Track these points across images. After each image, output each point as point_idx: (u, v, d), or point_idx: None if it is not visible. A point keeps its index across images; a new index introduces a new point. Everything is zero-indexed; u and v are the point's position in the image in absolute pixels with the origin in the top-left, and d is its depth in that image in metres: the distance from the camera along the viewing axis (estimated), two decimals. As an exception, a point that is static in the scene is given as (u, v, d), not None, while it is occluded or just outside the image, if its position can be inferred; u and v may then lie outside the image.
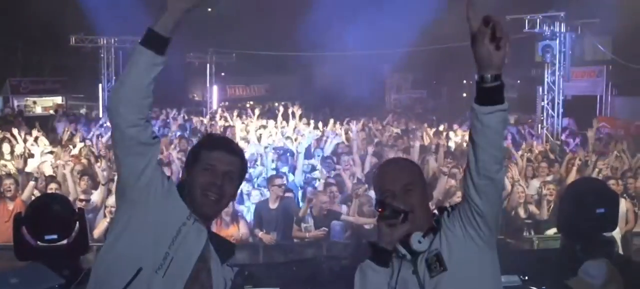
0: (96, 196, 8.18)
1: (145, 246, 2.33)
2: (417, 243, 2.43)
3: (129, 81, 2.26)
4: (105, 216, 7.43)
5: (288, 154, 10.95)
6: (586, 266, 3.44)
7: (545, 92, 17.75)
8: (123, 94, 2.26)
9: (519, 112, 21.11)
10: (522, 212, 8.45)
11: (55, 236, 3.54)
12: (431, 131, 14.93)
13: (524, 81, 23.79)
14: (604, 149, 12.31)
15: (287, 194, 8.29)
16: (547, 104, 17.73)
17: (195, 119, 18.91)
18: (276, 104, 27.24)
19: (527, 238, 8.05)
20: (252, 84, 35.35)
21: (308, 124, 16.33)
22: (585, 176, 9.13)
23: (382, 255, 2.47)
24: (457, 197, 7.45)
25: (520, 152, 11.45)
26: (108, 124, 14.47)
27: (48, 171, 9.71)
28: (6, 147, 11.53)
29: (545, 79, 17.72)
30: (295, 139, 13.12)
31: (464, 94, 29.49)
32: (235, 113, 18.83)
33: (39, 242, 3.62)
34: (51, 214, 3.54)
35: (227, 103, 28.84)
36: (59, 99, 28.90)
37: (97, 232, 7.16)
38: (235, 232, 7.70)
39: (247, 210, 8.31)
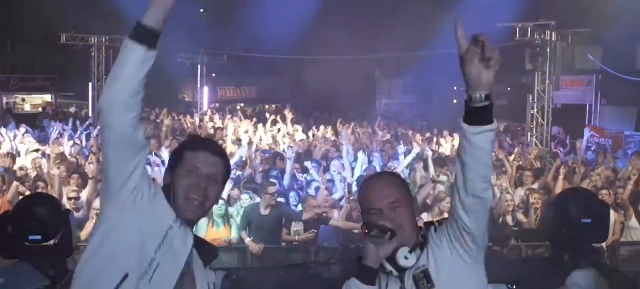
0: (85, 195, 8.13)
1: (131, 252, 2.27)
2: (404, 259, 2.39)
3: (122, 78, 2.16)
4: (92, 217, 7.37)
5: (278, 158, 10.92)
6: (574, 276, 3.44)
7: (535, 101, 17.84)
8: (116, 93, 2.17)
9: (509, 120, 21.22)
10: (510, 221, 8.48)
11: (39, 237, 3.49)
12: (420, 138, 14.95)
13: (514, 89, 23.92)
14: (594, 158, 12.38)
15: (279, 200, 8.24)
16: (537, 112, 17.82)
17: (184, 120, 18.85)
18: (267, 107, 27.24)
19: (515, 247, 8.07)
20: (242, 86, 35.30)
21: (300, 128, 16.32)
22: (573, 186, 9.16)
23: (368, 273, 2.43)
24: (447, 203, 7.46)
25: (512, 158, 11.48)
26: (96, 122, 14.41)
27: (32, 170, 9.63)
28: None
29: (536, 87, 17.81)
30: (285, 143, 13.12)
31: (455, 101, 29.57)
32: (228, 116, 18.77)
33: (24, 242, 3.59)
34: (35, 214, 3.50)
35: (217, 105, 28.80)
36: (48, 97, 28.79)
37: (85, 233, 7.10)
38: (226, 234, 7.68)
39: (237, 213, 8.26)
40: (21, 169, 9.86)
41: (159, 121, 17.49)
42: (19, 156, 10.93)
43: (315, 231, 7.91)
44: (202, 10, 23.04)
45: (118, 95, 2.17)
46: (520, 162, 11.84)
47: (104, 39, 22.58)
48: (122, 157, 2.27)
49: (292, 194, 9.00)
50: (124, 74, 2.17)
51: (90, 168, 8.40)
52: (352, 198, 8.10)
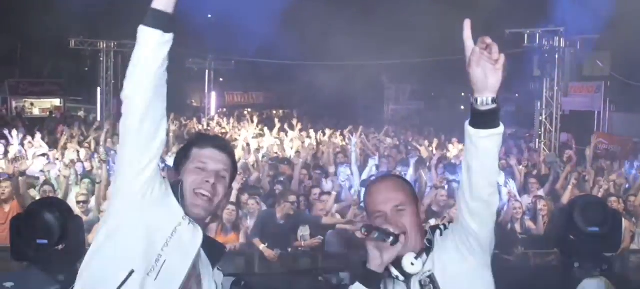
0: (94, 199, 8.14)
1: (137, 248, 2.24)
2: (410, 264, 2.38)
3: (140, 63, 2.16)
4: (100, 219, 7.38)
5: (285, 163, 10.92)
6: (585, 285, 3.42)
7: (544, 107, 17.77)
8: (138, 79, 2.16)
9: (517, 126, 21.15)
10: (518, 228, 8.42)
11: (45, 241, 3.51)
12: (428, 144, 14.91)
13: (523, 95, 23.84)
14: (602, 165, 12.30)
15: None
16: (546, 118, 17.75)
17: (191, 125, 18.89)
18: (274, 112, 27.28)
19: (524, 254, 8.02)
20: (250, 92, 35.36)
21: (307, 134, 16.32)
22: (583, 193, 9.10)
23: (372, 277, 2.39)
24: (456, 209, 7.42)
25: (520, 167, 11.42)
26: (107, 126, 14.45)
27: (40, 174, 9.67)
28: (0, 148, 11.48)
29: (544, 94, 17.75)
30: (292, 148, 13.13)
31: (462, 107, 29.56)
32: (239, 121, 18.76)
33: (32, 246, 3.61)
34: (42, 219, 3.52)
35: (225, 110, 28.86)
36: (57, 101, 28.90)
37: (93, 237, 7.10)
38: (234, 240, 7.64)
39: (245, 218, 8.24)
40: (29, 173, 9.88)
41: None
42: (27, 160, 10.97)
43: (322, 237, 7.89)
44: (209, 16, 23.06)
45: (140, 82, 2.16)
46: (527, 169, 11.77)
47: (112, 44, 22.71)
48: (138, 149, 2.25)
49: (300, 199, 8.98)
50: (141, 57, 2.15)
51: (100, 173, 8.41)
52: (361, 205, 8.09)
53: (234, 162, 2.58)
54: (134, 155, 2.26)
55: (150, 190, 2.29)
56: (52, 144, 13.42)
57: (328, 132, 16.93)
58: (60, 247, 3.61)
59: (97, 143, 13.48)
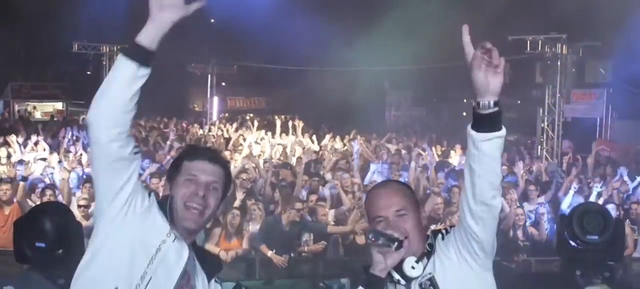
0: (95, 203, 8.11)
1: (121, 265, 2.25)
2: (411, 268, 2.39)
3: (111, 94, 2.14)
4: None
5: (286, 168, 10.91)
6: (587, 292, 3.41)
7: (546, 114, 17.76)
8: (103, 108, 2.15)
9: (518, 133, 21.11)
10: (520, 235, 8.41)
11: (43, 245, 3.51)
12: (430, 150, 14.87)
13: (525, 102, 23.84)
14: (603, 172, 12.27)
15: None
16: (547, 125, 17.73)
17: (192, 129, 18.89)
18: (276, 117, 27.29)
19: (525, 261, 8.00)
20: (252, 96, 35.39)
21: (310, 139, 16.30)
22: (584, 201, 9.08)
23: (375, 282, 2.41)
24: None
25: (521, 173, 11.40)
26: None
27: (42, 178, 9.66)
28: (3, 152, 11.49)
29: (546, 100, 17.74)
30: (294, 153, 13.10)
31: (464, 113, 29.51)
32: (242, 127, 18.71)
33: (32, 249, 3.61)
34: (41, 222, 3.53)
35: (227, 114, 28.88)
36: (59, 105, 28.92)
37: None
38: (237, 246, 7.61)
39: (247, 224, 8.22)
40: (30, 177, 9.87)
41: (166, 130, 17.48)
42: (28, 164, 10.96)
43: (325, 242, 7.88)
44: (212, 20, 23.11)
45: (105, 110, 2.16)
46: (528, 177, 11.74)
47: (115, 48, 22.69)
48: (110, 172, 2.25)
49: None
50: (112, 89, 2.15)
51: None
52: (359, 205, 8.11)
53: (227, 174, 2.56)
54: (106, 181, 2.28)
55: (131, 209, 2.30)
56: (54, 148, 13.41)
57: (329, 137, 16.90)
58: (59, 251, 3.61)
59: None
